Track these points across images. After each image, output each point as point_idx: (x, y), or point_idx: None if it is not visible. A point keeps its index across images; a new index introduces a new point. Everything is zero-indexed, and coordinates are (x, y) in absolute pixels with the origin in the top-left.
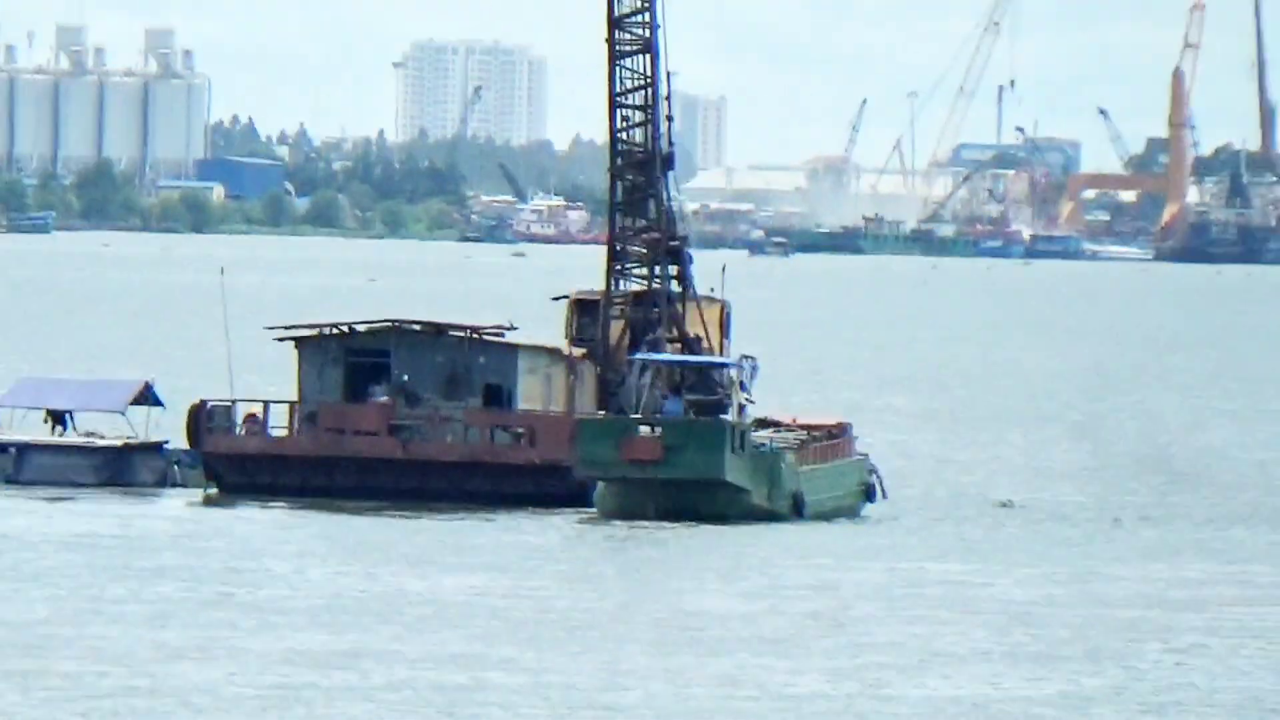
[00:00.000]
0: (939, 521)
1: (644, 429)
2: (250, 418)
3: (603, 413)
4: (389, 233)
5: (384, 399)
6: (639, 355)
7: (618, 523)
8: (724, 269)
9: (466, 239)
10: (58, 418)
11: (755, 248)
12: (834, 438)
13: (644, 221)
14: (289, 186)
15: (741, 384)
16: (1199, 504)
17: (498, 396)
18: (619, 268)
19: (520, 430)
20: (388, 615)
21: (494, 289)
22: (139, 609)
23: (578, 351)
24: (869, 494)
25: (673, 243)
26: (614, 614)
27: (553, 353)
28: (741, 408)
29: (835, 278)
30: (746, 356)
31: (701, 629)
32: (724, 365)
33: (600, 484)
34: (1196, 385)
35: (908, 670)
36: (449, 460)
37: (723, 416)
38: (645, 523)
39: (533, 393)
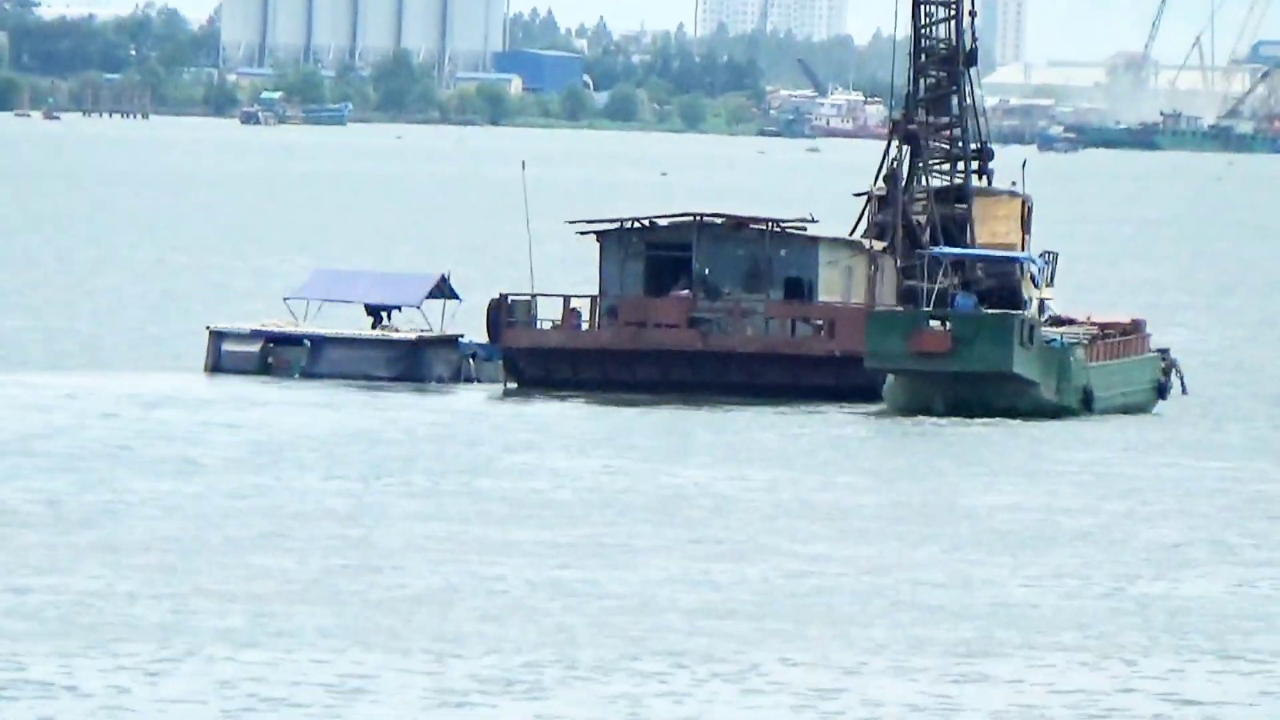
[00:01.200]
0: (1229, 420)
1: (933, 322)
2: (573, 313)
3: (901, 307)
4: (687, 127)
5: (685, 292)
6: (931, 250)
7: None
8: (1025, 164)
9: (764, 133)
10: (373, 312)
11: (1046, 143)
12: (1127, 335)
13: (946, 119)
14: (588, 80)
15: (1033, 279)
16: None
17: (798, 289)
18: (920, 163)
19: (820, 322)
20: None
21: (790, 184)
22: (412, 504)
23: (878, 244)
24: (1161, 390)
25: (973, 142)
26: (894, 511)
27: (854, 245)
28: (1039, 303)
29: (1131, 174)
30: (1047, 252)
31: (1000, 526)
32: (1015, 260)
33: (889, 376)
34: None
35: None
36: (749, 352)
37: (1015, 311)
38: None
39: (833, 285)
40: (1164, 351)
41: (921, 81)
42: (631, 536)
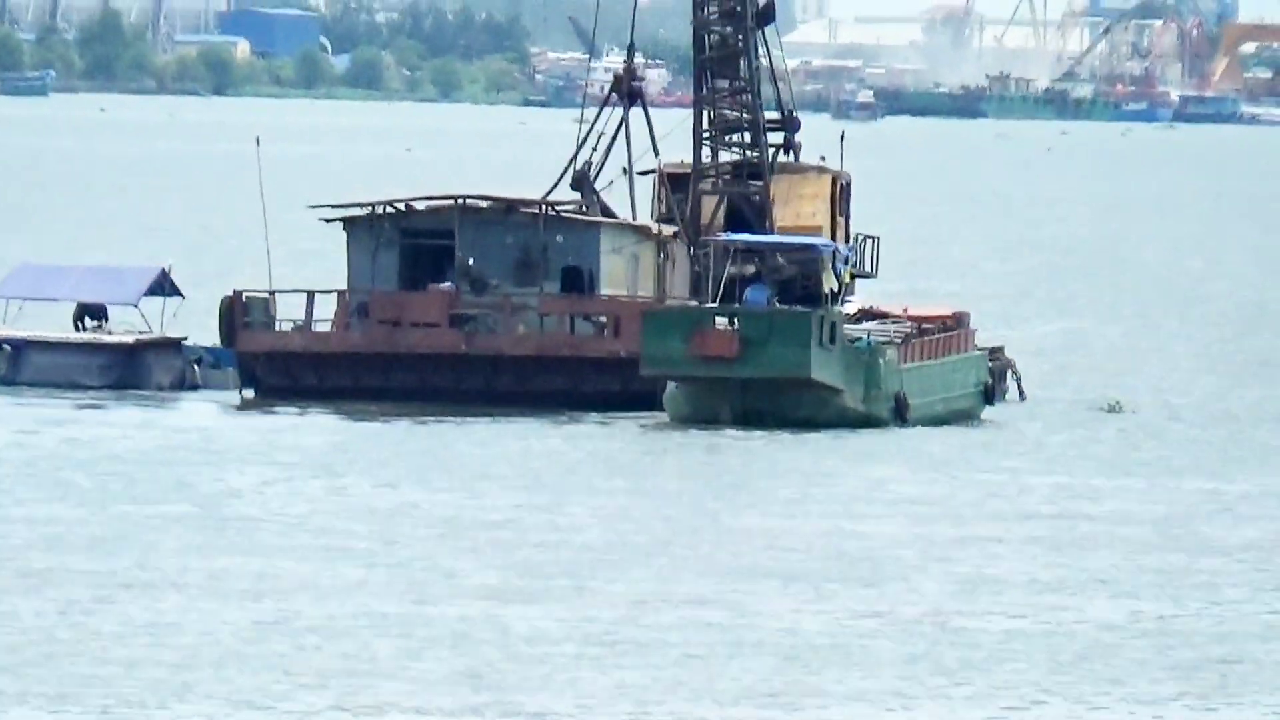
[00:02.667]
0: (1050, 428)
1: (719, 320)
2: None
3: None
4: (441, 96)
5: (446, 286)
6: (717, 237)
7: (684, 429)
8: (843, 136)
9: (530, 103)
10: (90, 312)
11: (841, 110)
12: (948, 331)
13: (733, 83)
14: (325, 42)
15: (835, 268)
16: None
17: (577, 281)
18: (709, 135)
19: (603, 319)
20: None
21: (556, 159)
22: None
23: (668, 230)
24: (989, 395)
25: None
26: (638, 543)
27: (640, 231)
28: (835, 295)
29: (949, 145)
30: (868, 236)
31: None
32: (814, 246)
33: (670, 384)
34: None
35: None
36: (520, 355)
37: (809, 307)
38: (718, 428)
39: (617, 276)
40: (996, 350)
41: (706, 40)
42: (335, 567)
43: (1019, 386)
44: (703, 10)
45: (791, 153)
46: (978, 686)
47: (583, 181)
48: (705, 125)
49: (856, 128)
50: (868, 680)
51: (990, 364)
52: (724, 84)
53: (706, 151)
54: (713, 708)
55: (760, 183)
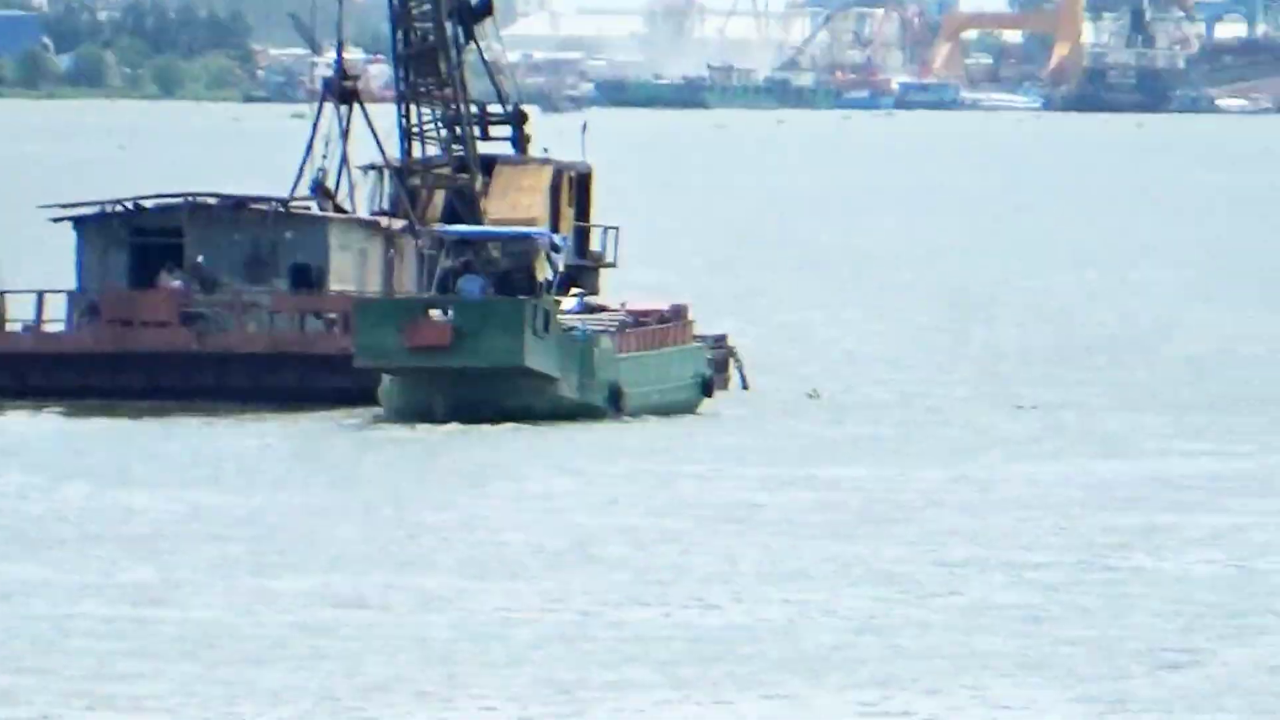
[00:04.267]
0: (779, 417)
1: (433, 311)
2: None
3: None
4: (163, 93)
5: (176, 284)
6: (431, 229)
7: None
8: (584, 128)
9: (252, 99)
10: None
11: (549, 105)
12: (665, 321)
13: (437, 79)
14: (47, 41)
15: (549, 258)
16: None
17: (306, 278)
18: (416, 130)
19: (333, 315)
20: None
21: (272, 157)
22: None
23: (397, 224)
24: (706, 386)
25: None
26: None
27: (369, 226)
28: (549, 286)
29: (666, 134)
30: (607, 227)
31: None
32: (528, 236)
33: (385, 377)
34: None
35: None
36: (251, 352)
37: (526, 297)
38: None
39: (346, 272)
40: (718, 339)
41: (408, 36)
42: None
43: (741, 375)
44: (400, 5)
45: (521, 145)
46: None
47: (319, 187)
48: (413, 121)
49: (566, 121)
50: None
51: (712, 353)
52: (428, 80)
53: (418, 147)
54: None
55: (466, 175)
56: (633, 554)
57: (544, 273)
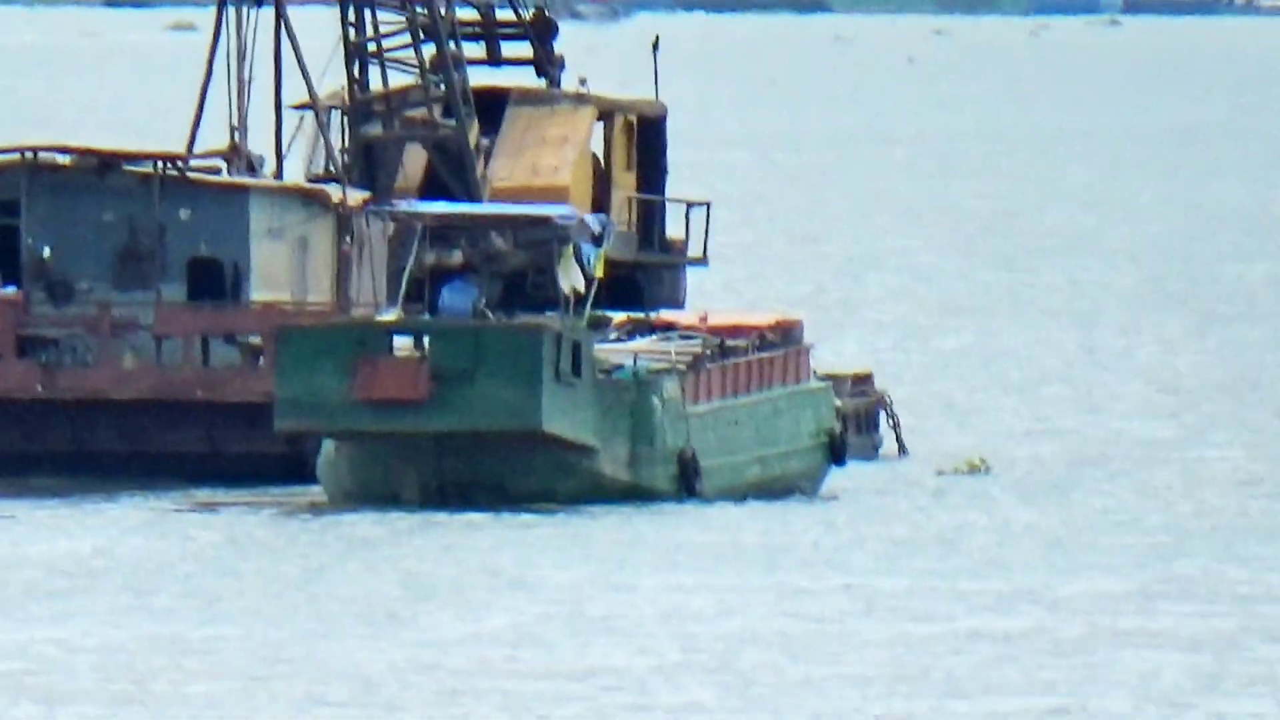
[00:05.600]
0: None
1: (399, 341)
2: None
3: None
4: None
5: (11, 291)
6: (394, 206)
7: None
8: (656, 43)
9: (115, 3)
10: None
11: (575, 12)
12: (767, 350)
13: None
14: None
15: (580, 253)
16: None
17: (214, 280)
18: (373, 47)
19: (255, 340)
20: None
21: (150, 90)
22: None
23: (355, 196)
24: (836, 451)
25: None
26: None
27: (312, 198)
28: (584, 299)
29: (756, 47)
30: (695, 205)
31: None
32: (545, 220)
33: (325, 443)
34: None
35: None
36: (125, 400)
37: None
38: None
39: (276, 271)
40: (859, 380)
41: None
42: None
43: (898, 434)
44: None
45: (546, 74)
46: None
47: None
48: (367, 33)
49: (590, 34)
50: None
51: (849, 401)
52: None
53: (376, 75)
54: None
55: (453, 120)
56: None
57: (574, 277)
